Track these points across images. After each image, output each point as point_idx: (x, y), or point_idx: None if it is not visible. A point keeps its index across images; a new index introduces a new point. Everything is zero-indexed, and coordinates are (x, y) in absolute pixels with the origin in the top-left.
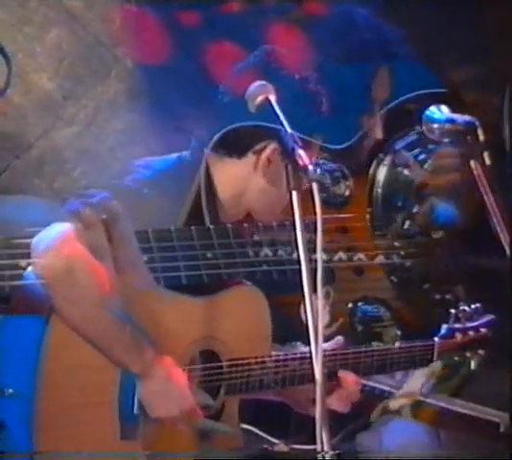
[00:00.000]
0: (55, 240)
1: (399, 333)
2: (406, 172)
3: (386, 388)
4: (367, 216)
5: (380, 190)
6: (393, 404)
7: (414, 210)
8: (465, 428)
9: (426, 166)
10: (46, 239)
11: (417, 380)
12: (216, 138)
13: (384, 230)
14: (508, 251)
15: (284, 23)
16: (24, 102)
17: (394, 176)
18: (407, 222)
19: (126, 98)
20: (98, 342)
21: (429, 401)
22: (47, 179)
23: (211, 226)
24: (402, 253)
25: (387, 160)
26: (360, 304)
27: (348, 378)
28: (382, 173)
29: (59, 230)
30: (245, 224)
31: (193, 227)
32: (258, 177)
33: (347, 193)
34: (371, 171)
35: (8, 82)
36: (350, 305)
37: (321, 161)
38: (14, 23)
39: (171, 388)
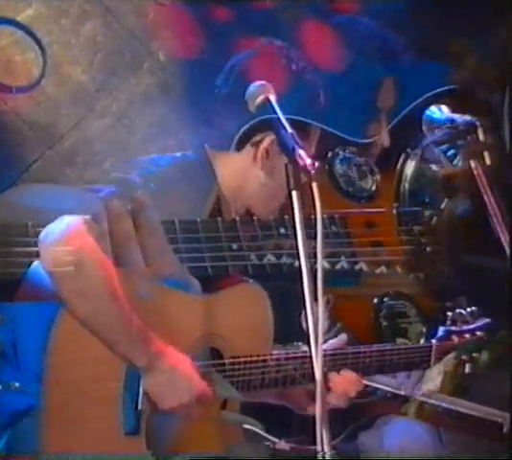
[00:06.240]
0: (63, 233)
1: (424, 329)
2: (434, 167)
3: (388, 389)
4: (394, 211)
5: (407, 185)
6: None
7: (442, 206)
8: (468, 429)
9: (455, 161)
10: (54, 232)
11: (436, 380)
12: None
13: (411, 225)
14: (508, 251)
15: (315, 20)
16: (57, 93)
17: (422, 172)
18: (435, 218)
19: (157, 91)
20: (105, 335)
21: (431, 401)
22: (78, 170)
23: (237, 218)
24: (428, 249)
25: (416, 155)
26: (385, 299)
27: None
28: (410, 168)
29: (68, 223)
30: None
31: (219, 218)
32: (257, 170)
33: (374, 187)
34: (399, 165)
35: (42, 73)
36: (375, 300)
37: (349, 155)
38: (51, 15)
39: (178, 377)
